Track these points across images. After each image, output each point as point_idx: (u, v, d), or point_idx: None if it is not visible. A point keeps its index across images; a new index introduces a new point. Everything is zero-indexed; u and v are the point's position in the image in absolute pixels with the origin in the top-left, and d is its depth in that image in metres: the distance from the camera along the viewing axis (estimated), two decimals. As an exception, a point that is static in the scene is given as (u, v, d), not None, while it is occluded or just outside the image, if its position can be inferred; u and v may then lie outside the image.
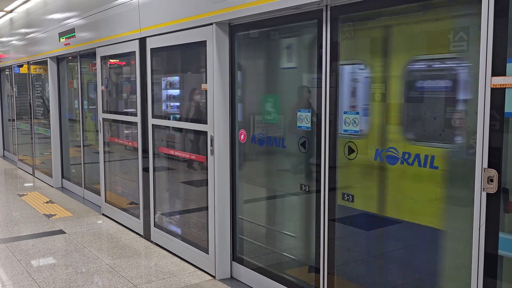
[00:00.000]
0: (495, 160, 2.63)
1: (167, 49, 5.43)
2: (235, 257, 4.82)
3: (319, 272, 3.84)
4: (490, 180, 2.64)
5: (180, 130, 5.42)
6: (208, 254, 4.89)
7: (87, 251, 5.59)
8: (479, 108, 2.66)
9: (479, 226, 2.70)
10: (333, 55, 3.61)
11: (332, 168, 3.69)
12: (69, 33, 7.88)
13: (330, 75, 3.62)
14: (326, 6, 3.58)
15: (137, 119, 6.03)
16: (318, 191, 3.79)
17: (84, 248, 5.68)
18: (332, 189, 3.70)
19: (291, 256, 4.40)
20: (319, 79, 3.70)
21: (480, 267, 2.72)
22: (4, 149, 13.73)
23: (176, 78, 5.65)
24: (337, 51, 3.61)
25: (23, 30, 10.58)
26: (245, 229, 4.82)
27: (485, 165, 2.66)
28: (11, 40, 11.53)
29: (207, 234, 4.89)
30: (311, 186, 3.98)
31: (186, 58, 5.52)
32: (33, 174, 10.60)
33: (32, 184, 9.75)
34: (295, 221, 4.47)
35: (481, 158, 2.68)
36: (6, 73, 12.74)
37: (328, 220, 3.73)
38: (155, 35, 5.47)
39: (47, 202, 8.00)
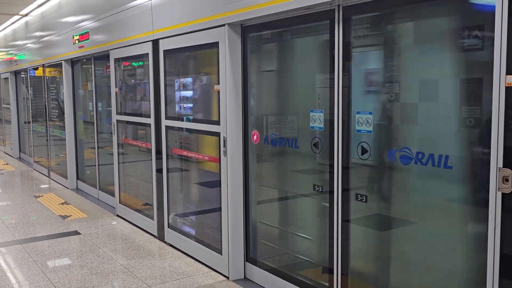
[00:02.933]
0: (510, 159, 2.60)
1: (180, 50, 5.45)
2: (249, 258, 4.83)
3: (332, 273, 3.83)
4: (505, 179, 2.61)
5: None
6: (221, 255, 4.90)
7: (101, 251, 5.64)
8: (494, 107, 2.63)
9: (494, 227, 2.67)
10: (346, 55, 3.59)
11: (346, 168, 3.68)
12: (83, 35, 7.95)
13: (343, 75, 3.61)
14: (338, 6, 3.57)
15: (151, 121, 6.07)
16: (331, 191, 3.78)
17: (98, 249, 5.72)
18: (346, 189, 3.69)
19: (305, 257, 4.39)
20: (332, 79, 3.69)
21: (496, 268, 2.69)
22: (20, 151, 13.89)
23: (189, 80, 5.67)
24: (350, 51, 3.59)
25: (38, 33, 10.70)
26: (258, 229, 4.82)
27: (500, 164, 2.63)
28: (27, 43, 11.67)
29: (221, 235, 4.89)
30: (324, 186, 3.97)
31: (198, 59, 5.54)
32: (48, 176, 10.72)
33: (47, 185, 9.86)
34: (309, 222, 4.46)
35: (496, 157, 2.65)
36: (22, 76, 12.90)
37: (342, 220, 3.71)
38: (168, 36, 5.49)
39: (62, 204, 8.08)
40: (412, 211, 3.51)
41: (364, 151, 3.58)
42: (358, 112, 3.56)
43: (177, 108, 5.74)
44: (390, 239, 3.70)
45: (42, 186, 9.87)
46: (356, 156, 3.64)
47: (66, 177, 9.59)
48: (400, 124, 3.46)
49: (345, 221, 3.71)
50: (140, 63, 6.63)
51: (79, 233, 6.36)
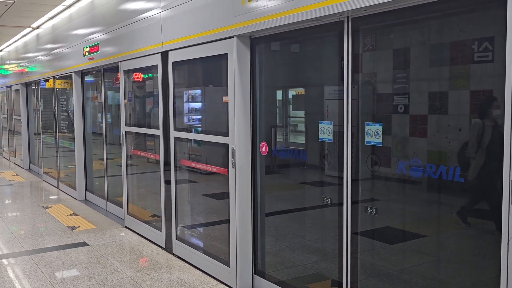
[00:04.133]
0: (523, 172, 2.56)
1: (189, 62, 5.46)
2: (257, 271, 4.78)
3: (342, 287, 3.78)
4: (518, 192, 2.57)
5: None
6: (229, 267, 4.86)
7: (109, 263, 5.62)
8: (506, 117, 2.60)
9: (508, 240, 2.62)
10: (355, 67, 3.58)
11: (355, 180, 3.64)
12: (93, 47, 8.01)
13: (352, 87, 3.59)
14: (347, 17, 3.56)
15: (159, 132, 6.07)
16: (340, 204, 3.74)
17: (106, 260, 5.71)
18: (355, 202, 3.66)
19: (313, 270, 4.35)
20: (341, 91, 3.67)
21: (510, 282, 2.63)
22: (30, 162, 13.97)
23: (198, 91, 5.68)
24: (359, 63, 3.58)
25: (49, 46, 10.81)
26: (266, 242, 4.78)
27: (513, 177, 2.59)
28: (37, 56, 11.79)
29: (229, 247, 4.86)
30: (333, 199, 3.94)
31: (207, 71, 5.56)
32: (57, 187, 10.75)
33: (56, 196, 9.88)
34: (317, 234, 4.43)
35: (508, 169, 2.61)
36: (33, 87, 13.01)
37: (351, 233, 3.67)
38: (177, 48, 5.51)
39: (70, 215, 8.09)
40: (423, 224, 3.46)
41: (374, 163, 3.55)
42: (367, 124, 3.53)
43: (185, 120, 5.75)
44: (400, 252, 3.65)
45: (51, 197, 9.90)
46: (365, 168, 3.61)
47: (75, 188, 9.61)
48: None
49: (355, 233, 3.67)
50: (149, 75, 6.66)
51: (87, 244, 6.35)
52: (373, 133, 3.49)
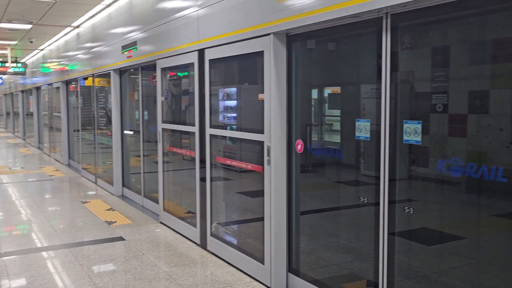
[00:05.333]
0: None
1: (225, 60, 5.49)
2: (291, 269, 4.77)
3: (377, 287, 3.73)
4: None
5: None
6: (263, 264, 4.87)
7: (145, 258, 5.71)
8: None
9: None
10: (393, 65, 3.52)
11: (392, 180, 3.59)
12: (131, 45, 8.15)
13: (390, 86, 3.53)
14: (386, 13, 3.51)
15: (195, 129, 6.13)
16: (377, 203, 3.69)
17: (142, 255, 5.80)
18: (392, 201, 3.60)
19: (348, 270, 4.31)
20: (378, 89, 3.62)
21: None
22: (69, 158, 14.32)
23: (233, 89, 5.70)
24: (397, 61, 3.52)
25: (88, 44, 11.06)
26: (301, 240, 4.77)
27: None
28: (77, 54, 12.07)
29: (263, 245, 4.87)
30: (370, 198, 3.89)
31: (243, 69, 5.57)
32: (95, 182, 10.99)
33: (94, 192, 10.11)
34: (353, 234, 4.38)
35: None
36: (73, 85, 13.33)
37: (388, 233, 3.62)
38: (214, 46, 5.55)
39: (108, 210, 8.25)
40: (463, 225, 3.39)
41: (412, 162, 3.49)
42: (406, 122, 3.47)
43: (221, 118, 5.78)
44: (438, 254, 3.58)
45: (89, 192, 10.13)
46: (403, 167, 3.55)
47: (112, 184, 9.80)
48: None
49: (391, 234, 3.61)
50: (185, 73, 6.72)
51: (124, 239, 6.47)
52: (412, 132, 3.43)
